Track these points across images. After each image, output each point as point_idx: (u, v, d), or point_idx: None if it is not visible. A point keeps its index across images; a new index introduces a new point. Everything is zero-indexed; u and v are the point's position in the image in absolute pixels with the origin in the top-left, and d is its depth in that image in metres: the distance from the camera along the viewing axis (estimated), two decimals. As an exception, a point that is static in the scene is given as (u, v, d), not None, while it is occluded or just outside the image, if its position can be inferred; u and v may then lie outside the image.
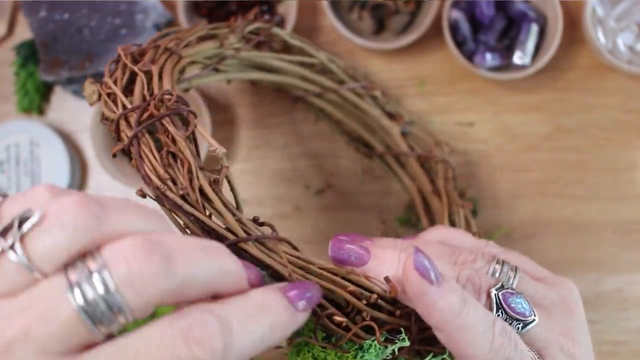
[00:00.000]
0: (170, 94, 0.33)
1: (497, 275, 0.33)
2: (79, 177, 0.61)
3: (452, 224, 0.47)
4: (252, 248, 0.29)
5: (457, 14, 0.56)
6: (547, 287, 0.34)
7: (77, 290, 0.22)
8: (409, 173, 0.53)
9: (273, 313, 0.26)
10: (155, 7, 0.57)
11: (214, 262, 0.25)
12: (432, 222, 0.50)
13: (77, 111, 0.61)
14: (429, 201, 0.51)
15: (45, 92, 0.62)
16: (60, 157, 0.58)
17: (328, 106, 0.53)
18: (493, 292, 0.32)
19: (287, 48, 0.52)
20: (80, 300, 0.22)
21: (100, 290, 0.22)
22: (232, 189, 0.33)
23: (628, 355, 0.56)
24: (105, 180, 0.59)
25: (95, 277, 0.22)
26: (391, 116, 0.54)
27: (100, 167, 0.57)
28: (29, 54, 0.60)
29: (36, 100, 0.61)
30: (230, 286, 0.25)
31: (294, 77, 0.51)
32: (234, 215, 0.30)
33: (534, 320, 0.31)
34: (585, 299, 0.35)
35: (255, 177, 0.59)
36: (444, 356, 0.33)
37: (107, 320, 0.22)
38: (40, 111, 0.62)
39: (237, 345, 0.24)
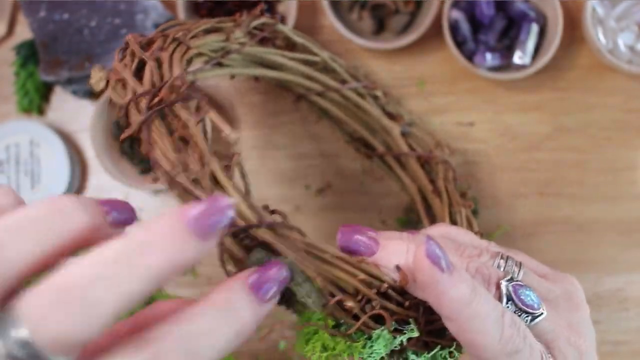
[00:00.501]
0: (182, 80, 0.33)
1: (502, 269, 0.33)
2: (79, 177, 0.61)
3: (454, 223, 0.47)
4: (264, 234, 0.29)
5: (457, 14, 0.56)
6: (551, 282, 0.34)
7: (2, 340, 0.21)
8: (409, 173, 0.53)
9: (239, 319, 0.25)
10: (155, 7, 0.57)
11: (139, 278, 0.22)
12: (433, 222, 0.50)
13: (77, 111, 0.61)
14: (429, 201, 0.51)
15: (45, 92, 0.62)
16: (60, 157, 0.58)
17: (330, 105, 0.53)
18: (503, 283, 0.31)
19: (290, 46, 0.52)
20: (5, 349, 0.21)
21: (22, 345, 0.21)
22: (243, 176, 0.33)
23: (628, 355, 0.56)
24: (105, 180, 0.59)
25: (16, 331, 0.21)
26: (391, 116, 0.54)
27: (100, 167, 0.57)
28: (29, 54, 0.60)
29: (36, 100, 0.61)
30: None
31: (297, 74, 0.51)
32: (246, 201, 0.30)
33: (542, 313, 0.31)
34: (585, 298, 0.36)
35: (256, 177, 0.59)
36: (451, 349, 0.32)
37: None
38: (40, 111, 0.62)
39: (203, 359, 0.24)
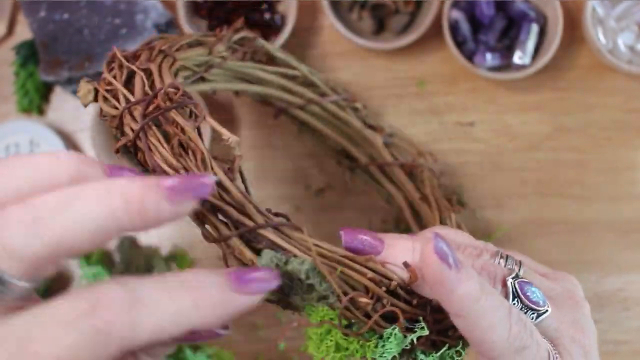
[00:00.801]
0: (177, 88, 0.34)
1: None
2: (79, 177, 0.61)
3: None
4: (270, 234, 0.29)
5: (457, 14, 0.56)
6: (551, 281, 0.35)
7: None
8: (395, 183, 0.52)
9: (199, 290, 0.25)
10: (155, 7, 0.57)
11: (89, 205, 0.24)
12: (423, 229, 0.50)
13: (77, 111, 0.61)
14: (417, 208, 0.50)
15: (45, 92, 0.62)
16: (60, 157, 0.58)
17: (311, 118, 0.53)
18: (509, 280, 0.31)
19: (271, 60, 0.52)
20: None
21: None
22: (243, 179, 0.33)
23: (629, 355, 0.56)
24: (105, 180, 0.59)
25: None
26: (372, 128, 0.54)
27: (100, 167, 0.57)
28: (29, 54, 0.60)
29: (36, 100, 0.61)
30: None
31: (277, 88, 0.51)
32: (251, 203, 0.30)
33: (547, 310, 0.31)
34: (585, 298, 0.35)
35: (255, 177, 0.59)
36: (458, 348, 0.33)
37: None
38: (40, 111, 0.62)
39: (148, 320, 0.24)
